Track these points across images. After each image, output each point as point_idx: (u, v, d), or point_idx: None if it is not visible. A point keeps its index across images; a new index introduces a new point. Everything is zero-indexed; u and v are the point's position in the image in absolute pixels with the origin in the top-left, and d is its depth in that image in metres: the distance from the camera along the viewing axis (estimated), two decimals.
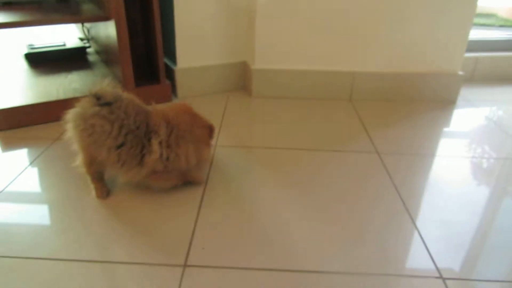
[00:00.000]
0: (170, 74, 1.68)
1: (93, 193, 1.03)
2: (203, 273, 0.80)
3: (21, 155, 1.22)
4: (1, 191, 1.04)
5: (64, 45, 2.00)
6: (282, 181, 1.13)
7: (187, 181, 1.08)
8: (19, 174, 1.11)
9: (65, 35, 2.25)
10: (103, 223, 0.93)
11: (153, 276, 0.79)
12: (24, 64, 1.84)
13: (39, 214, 0.96)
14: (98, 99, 0.95)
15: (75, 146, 0.99)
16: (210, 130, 1.10)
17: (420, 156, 1.28)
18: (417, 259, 0.86)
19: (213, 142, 1.17)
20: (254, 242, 0.89)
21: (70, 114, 0.98)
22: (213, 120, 1.40)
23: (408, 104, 1.70)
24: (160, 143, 0.97)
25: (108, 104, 0.94)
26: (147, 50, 1.68)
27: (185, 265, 0.81)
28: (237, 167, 1.19)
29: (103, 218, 0.95)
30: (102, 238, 0.89)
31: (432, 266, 0.84)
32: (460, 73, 1.70)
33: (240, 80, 1.79)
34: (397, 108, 1.65)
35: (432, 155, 1.30)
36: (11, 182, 1.08)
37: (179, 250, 0.85)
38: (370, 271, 0.82)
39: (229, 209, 1.00)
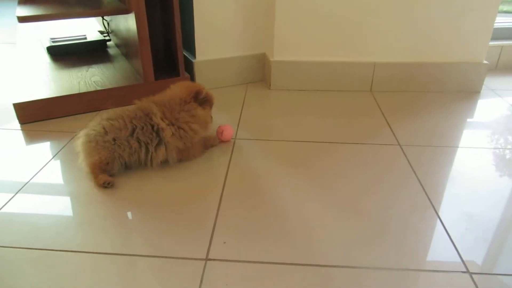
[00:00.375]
0: (189, 66, 1.68)
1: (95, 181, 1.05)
2: (224, 267, 0.80)
3: (44, 148, 1.24)
4: (26, 183, 1.06)
5: (85, 38, 2.02)
6: (302, 174, 1.12)
7: (209, 147, 1.23)
8: (43, 167, 1.13)
9: (86, 28, 2.27)
10: (124, 216, 0.95)
11: (175, 270, 0.79)
12: (46, 57, 1.86)
13: (62, 207, 0.98)
14: None
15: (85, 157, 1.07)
16: (196, 93, 1.15)
17: (443, 148, 1.25)
18: (442, 253, 0.85)
19: (211, 106, 1.21)
20: (275, 236, 0.89)
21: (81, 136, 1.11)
22: (232, 112, 1.40)
23: (430, 95, 1.66)
24: (162, 119, 1.09)
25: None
26: (166, 43, 1.69)
27: (206, 259, 0.82)
28: (257, 161, 1.18)
29: (124, 211, 0.96)
30: (124, 231, 0.90)
31: (458, 260, 0.83)
32: (485, 62, 1.65)
33: (259, 72, 1.78)
34: (419, 99, 1.62)
35: (455, 146, 1.27)
36: (35, 175, 1.10)
37: (200, 244, 0.86)
38: (394, 266, 0.81)
39: (249, 203, 1.00)
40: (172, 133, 1.10)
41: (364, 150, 1.24)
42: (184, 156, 1.14)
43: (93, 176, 1.05)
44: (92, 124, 1.10)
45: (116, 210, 0.97)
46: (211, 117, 1.22)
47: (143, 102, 1.14)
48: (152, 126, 1.09)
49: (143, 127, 1.08)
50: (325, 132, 1.35)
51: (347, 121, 1.42)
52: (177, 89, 1.17)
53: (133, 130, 1.07)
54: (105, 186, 1.03)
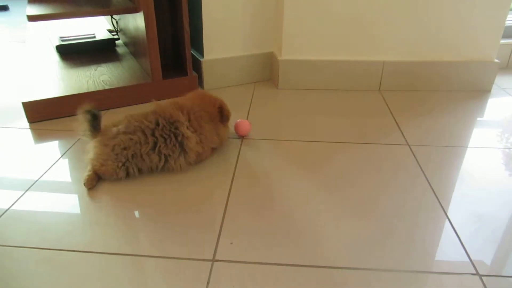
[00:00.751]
0: (197, 65, 1.69)
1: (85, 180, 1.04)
2: (231, 268, 0.80)
3: (53, 147, 1.25)
4: (35, 182, 1.07)
5: (94, 37, 2.03)
6: (310, 175, 1.11)
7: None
8: (52, 166, 1.14)
9: (95, 27, 2.28)
10: (132, 216, 0.95)
11: (182, 270, 0.80)
12: (55, 56, 1.87)
13: (70, 206, 0.98)
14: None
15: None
16: (220, 109, 1.16)
17: (452, 148, 1.24)
18: (451, 254, 0.84)
19: (228, 122, 1.22)
20: (283, 237, 0.88)
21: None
22: (239, 111, 1.40)
23: (440, 94, 1.64)
24: (188, 128, 1.08)
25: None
26: (174, 42, 1.69)
27: (213, 260, 0.82)
28: (265, 161, 1.18)
29: (132, 211, 0.97)
30: (131, 232, 0.90)
31: (467, 261, 0.82)
32: (496, 60, 1.63)
33: (267, 71, 1.78)
34: (428, 98, 1.60)
35: (465, 146, 1.25)
36: (44, 173, 1.11)
37: (207, 244, 0.86)
38: (403, 268, 0.81)
39: (257, 203, 1.00)
40: (196, 141, 1.09)
41: (373, 150, 1.23)
42: (199, 159, 1.14)
43: (89, 177, 1.04)
44: (111, 132, 1.05)
45: (124, 210, 0.97)
46: (228, 131, 1.25)
47: (164, 106, 1.10)
48: (176, 136, 1.06)
49: (166, 139, 1.05)
50: (333, 132, 1.34)
51: (355, 121, 1.42)
52: (199, 99, 1.16)
53: (155, 144, 1.05)
54: (85, 185, 1.03)
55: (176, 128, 1.06)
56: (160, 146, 1.05)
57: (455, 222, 0.93)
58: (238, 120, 1.29)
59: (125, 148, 1.03)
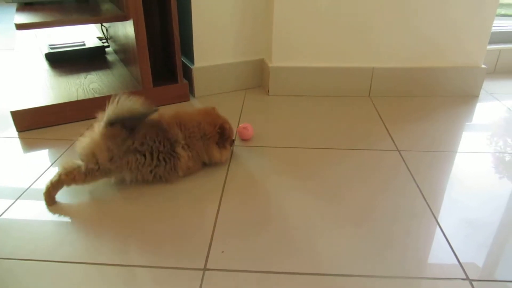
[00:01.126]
0: (187, 73, 1.68)
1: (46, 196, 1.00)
2: (223, 277, 0.80)
3: (42, 156, 1.24)
4: (25, 191, 1.06)
5: (83, 44, 2.02)
6: (301, 182, 1.11)
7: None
8: (42, 174, 1.13)
9: (85, 34, 2.27)
10: (123, 226, 0.94)
11: (173, 280, 0.79)
12: (44, 64, 1.86)
13: (60, 215, 0.97)
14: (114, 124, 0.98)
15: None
16: (220, 129, 1.12)
17: (442, 153, 1.25)
18: (442, 260, 0.84)
19: (228, 146, 1.18)
20: (275, 245, 0.88)
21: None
22: (230, 119, 1.40)
23: (429, 99, 1.66)
24: (183, 147, 1.07)
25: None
26: (164, 50, 1.69)
27: (205, 269, 0.81)
28: (256, 168, 1.18)
29: (124, 221, 0.96)
30: (122, 242, 0.89)
31: (458, 266, 0.82)
32: (483, 66, 1.65)
33: (258, 78, 1.78)
34: (417, 104, 1.62)
35: (454, 151, 1.27)
36: (34, 182, 1.10)
37: (198, 253, 0.85)
38: (394, 274, 0.81)
39: (248, 211, 0.99)
40: (188, 157, 1.08)
41: (363, 156, 1.24)
42: (189, 172, 1.12)
43: (64, 178, 0.98)
44: (123, 139, 0.99)
45: (114, 220, 0.96)
46: (228, 154, 1.19)
47: (169, 121, 1.07)
48: (173, 157, 1.06)
49: (166, 163, 1.04)
50: (324, 138, 1.34)
51: (346, 127, 1.42)
52: (200, 118, 1.13)
53: (155, 166, 1.04)
54: (44, 195, 0.99)
55: (173, 150, 1.05)
56: (159, 168, 1.05)
57: (445, 228, 0.93)
58: (240, 125, 1.32)
59: (121, 166, 1.00)
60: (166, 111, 1.12)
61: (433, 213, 0.98)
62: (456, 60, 1.65)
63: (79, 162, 1.00)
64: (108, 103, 0.97)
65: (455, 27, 1.59)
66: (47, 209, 0.99)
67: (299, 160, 1.22)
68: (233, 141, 1.21)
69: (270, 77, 1.68)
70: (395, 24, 1.58)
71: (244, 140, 1.32)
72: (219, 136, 1.13)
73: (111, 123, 0.97)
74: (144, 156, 1.01)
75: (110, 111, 0.96)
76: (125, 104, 0.97)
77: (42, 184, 1.08)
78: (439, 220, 0.96)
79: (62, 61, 1.90)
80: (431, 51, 1.63)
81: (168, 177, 1.08)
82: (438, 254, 0.86)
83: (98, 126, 1.00)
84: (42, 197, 1.01)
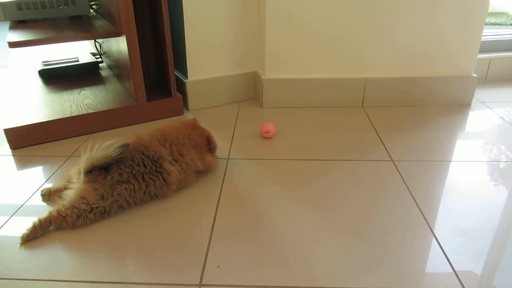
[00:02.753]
0: (181, 86, 1.69)
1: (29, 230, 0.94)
2: None
3: (36, 173, 1.23)
4: (19, 208, 1.05)
5: (77, 60, 2.02)
6: (296, 194, 1.11)
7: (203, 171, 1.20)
8: (36, 191, 1.13)
9: (78, 50, 2.28)
10: (116, 243, 0.93)
11: None
12: (38, 81, 1.86)
13: (55, 233, 0.96)
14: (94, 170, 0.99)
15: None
16: (207, 140, 1.19)
17: (436, 162, 1.26)
18: (438, 270, 0.84)
19: (215, 152, 1.24)
20: (271, 259, 0.88)
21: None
22: (224, 131, 1.41)
23: (421, 109, 1.67)
24: (170, 162, 1.07)
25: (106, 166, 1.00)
26: (158, 64, 1.69)
27: (200, 285, 0.81)
28: (250, 181, 1.18)
29: (117, 237, 0.95)
30: (116, 259, 0.88)
31: (453, 277, 0.82)
32: (474, 75, 1.67)
33: (251, 90, 1.79)
34: (410, 114, 1.63)
35: (448, 160, 1.27)
36: (28, 199, 1.09)
37: (193, 268, 0.85)
38: (389, 286, 0.80)
39: (243, 225, 0.99)
40: (178, 171, 1.08)
41: (357, 166, 1.24)
42: (182, 185, 1.12)
43: (55, 215, 0.95)
44: (102, 178, 0.99)
45: (108, 237, 0.95)
46: (217, 160, 1.26)
47: (147, 141, 1.07)
48: (162, 174, 1.05)
49: (155, 181, 1.04)
50: (318, 149, 1.35)
51: (340, 138, 1.43)
52: (188, 128, 1.17)
53: (146, 188, 1.04)
54: (28, 231, 0.94)
55: (161, 166, 1.05)
56: (150, 189, 1.05)
57: (440, 238, 0.93)
58: (265, 125, 1.42)
59: (117, 201, 1.01)
60: (147, 130, 1.15)
61: (428, 223, 0.98)
62: (447, 69, 1.66)
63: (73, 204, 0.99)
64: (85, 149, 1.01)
65: (444, 37, 1.61)
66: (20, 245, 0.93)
67: (292, 172, 1.22)
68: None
69: (263, 89, 1.68)
70: (385, 36, 1.60)
71: (266, 138, 1.43)
72: (208, 145, 1.19)
73: (88, 172, 0.99)
74: (131, 183, 1.01)
75: (84, 163, 0.99)
76: (97, 153, 0.99)
77: (37, 200, 1.08)
78: (434, 230, 0.96)
79: (56, 77, 1.90)
80: (422, 61, 1.65)
81: (162, 193, 1.07)
82: (434, 265, 0.86)
83: (76, 178, 1.02)
84: (38, 213, 0.99)
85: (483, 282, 0.81)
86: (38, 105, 1.56)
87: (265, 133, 1.41)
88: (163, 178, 1.06)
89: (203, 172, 1.20)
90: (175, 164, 1.08)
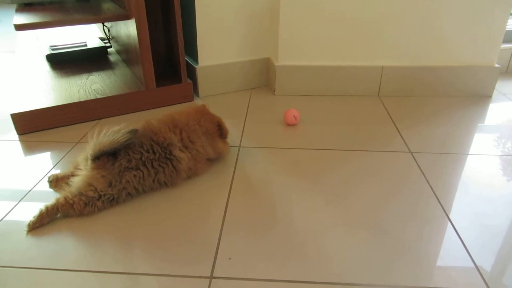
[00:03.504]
0: (191, 72, 1.65)
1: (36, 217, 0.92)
2: (230, 286, 0.75)
3: (44, 159, 1.20)
4: (27, 194, 1.03)
5: (85, 45, 1.98)
6: (310, 185, 1.07)
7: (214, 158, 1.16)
8: (43, 177, 1.10)
9: (86, 35, 2.24)
10: (124, 232, 0.90)
11: None
12: (46, 65, 1.83)
13: (61, 220, 0.93)
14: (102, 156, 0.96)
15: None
16: (218, 126, 1.14)
17: (456, 155, 1.20)
18: (459, 267, 0.80)
19: (227, 138, 1.19)
20: (284, 252, 0.84)
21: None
22: (235, 119, 1.37)
23: (440, 100, 1.61)
24: (180, 149, 1.04)
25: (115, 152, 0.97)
26: (168, 49, 1.65)
27: (211, 277, 0.77)
28: (263, 170, 1.14)
29: (125, 226, 0.92)
30: (125, 249, 0.85)
31: (477, 275, 0.78)
32: (496, 65, 1.60)
33: (263, 77, 1.74)
34: (428, 104, 1.57)
35: (469, 153, 1.22)
36: (36, 185, 1.07)
37: (204, 260, 0.81)
38: (408, 283, 0.76)
39: (255, 216, 0.95)
40: (188, 158, 1.05)
41: (374, 158, 1.20)
42: (192, 173, 1.09)
43: (62, 202, 0.93)
44: (111, 165, 0.96)
45: (116, 227, 0.92)
46: (228, 147, 1.21)
47: (156, 127, 1.04)
48: (172, 161, 1.02)
49: (164, 168, 1.01)
50: (333, 139, 1.30)
51: (355, 128, 1.38)
52: (198, 114, 1.12)
53: (155, 175, 1.01)
54: (34, 218, 0.91)
55: (170, 153, 1.02)
56: (159, 176, 1.01)
57: (462, 234, 0.89)
58: (291, 111, 1.38)
59: (125, 188, 0.97)
60: (156, 116, 1.10)
61: (448, 217, 0.94)
62: (468, 59, 1.60)
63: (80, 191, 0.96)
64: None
65: (468, 25, 1.54)
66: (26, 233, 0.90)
67: (307, 162, 1.17)
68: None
69: (276, 77, 1.63)
70: (406, 22, 1.54)
71: (289, 125, 1.40)
72: (219, 131, 1.14)
73: (96, 158, 0.96)
74: (140, 169, 0.98)
75: (91, 149, 0.96)
76: (105, 139, 0.95)
77: (45, 186, 1.05)
78: (455, 225, 0.91)
79: (64, 62, 1.87)
80: (443, 49, 1.58)
81: (171, 181, 1.04)
82: (456, 261, 0.81)
83: (83, 164, 0.99)
84: (46, 198, 0.97)
85: (506, 277, 0.77)
86: (46, 90, 1.52)
87: (293, 118, 1.37)
88: (172, 165, 1.02)
89: (215, 159, 1.16)
90: (185, 151, 1.05)
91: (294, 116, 1.37)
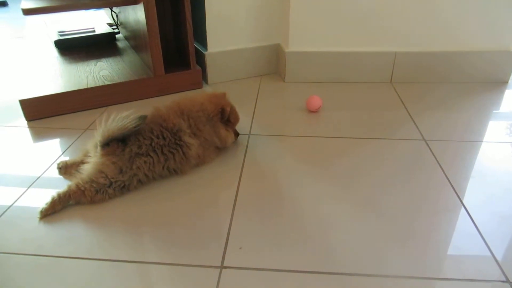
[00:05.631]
0: (200, 58, 1.62)
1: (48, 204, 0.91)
2: (241, 275, 0.74)
3: (52, 145, 1.20)
4: (36, 180, 1.03)
5: (93, 31, 1.96)
6: (321, 173, 1.05)
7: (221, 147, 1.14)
8: (52, 164, 1.09)
9: (95, 20, 2.22)
10: (136, 221, 0.89)
11: (188, 278, 0.74)
12: (54, 51, 1.82)
13: (71, 208, 0.93)
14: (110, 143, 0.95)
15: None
16: (221, 110, 1.08)
17: (471, 143, 1.17)
18: (477, 259, 0.78)
19: (232, 126, 1.15)
20: (295, 241, 0.83)
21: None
22: (245, 106, 1.35)
23: (454, 86, 1.57)
24: (190, 135, 1.02)
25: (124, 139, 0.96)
26: (176, 35, 1.63)
27: (222, 266, 0.76)
28: (273, 159, 1.12)
29: (136, 216, 0.91)
30: (134, 237, 0.85)
31: (495, 268, 0.76)
32: None
33: (273, 63, 1.71)
34: (442, 90, 1.53)
35: (484, 141, 1.19)
36: (45, 171, 1.06)
37: (215, 250, 0.80)
38: (423, 274, 0.75)
39: (266, 205, 0.94)
40: (198, 145, 1.04)
41: (387, 145, 1.17)
42: (201, 161, 1.07)
43: (73, 190, 0.92)
44: (121, 151, 0.95)
45: (126, 215, 0.91)
46: (235, 135, 1.16)
47: (165, 113, 1.02)
48: (182, 147, 1.01)
49: (174, 154, 1.00)
50: (344, 126, 1.28)
51: (367, 115, 1.35)
52: (203, 99, 1.09)
53: (165, 161, 1.00)
54: (47, 205, 0.91)
55: (180, 139, 1.00)
56: (169, 162, 1.00)
57: (480, 224, 0.86)
58: (314, 99, 1.35)
59: (136, 174, 0.96)
60: (165, 103, 1.08)
61: (465, 207, 0.91)
62: (484, 44, 1.55)
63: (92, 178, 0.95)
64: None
65: (483, 9, 1.49)
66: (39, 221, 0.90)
67: (318, 150, 1.15)
68: (237, 134, 1.17)
69: (286, 63, 1.60)
70: (419, 6, 1.49)
71: (311, 111, 1.37)
72: (220, 116, 1.08)
73: (105, 144, 0.94)
74: (150, 156, 0.97)
75: (100, 135, 0.94)
76: (113, 124, 0.94)
77: (54, 173, 1.05)
78: (472, 214, 0.89)
79: (72, 48, 1.85)
80: (458, 34, 1.54)
81: (181, 168, 1.03)
82: (473, 253, 0.79)
83: (93, 151, 0.98)
84: (55, 185, 0.97)
85: None
86: (54, 76, 1.51)
87: (317, 108, 1.35)
88: (182, 152, 1.01)
89: (222, 148, 1.14)
90: (194, 137, 1.03)
91: (318, 107, 1.36)
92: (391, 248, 0.81)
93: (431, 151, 1.13)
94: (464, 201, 0.93)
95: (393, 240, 0.83)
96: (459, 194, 0.96)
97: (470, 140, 1.19)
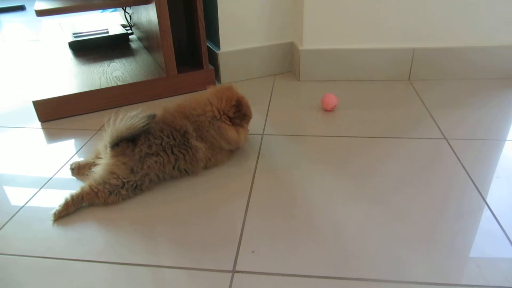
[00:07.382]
0: (213, 58, 1.60)
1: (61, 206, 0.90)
2: (253, 280, 0.72)
3: (66, 146, 1.19)
4: (48, 181, 1.02)
5: (107, 32, 1.97)
6: (337, 174, 1.02)
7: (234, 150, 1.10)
8: (64, 165, 1.09)
9: (108, 22, 2.23)
10: (147, 223, 0.87)
11: (199, 283, 0.72)
12: (68, 53, 1.82)
13: (84, 210, 0.92)
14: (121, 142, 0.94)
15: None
16: (237, 103, 1.02)
17: (495, 141, 1.12)
18: (504, 264, 0.73)
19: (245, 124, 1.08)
20: (309, 244, 0.79)
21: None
22: (258, 106, 1.32)
23: (475, 83, 1.51)
24: (197, 139, 1.00)
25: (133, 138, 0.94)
26: (189, 35, 1.61)
27: (233, 271, 0.74)
28: (287, 159, 1.09)
29: (149, 219, 0.89)
30: (145, 240, 0.83)
31: None
32: None
33: (287, 62, 1.68)
34: (463, 88, 1.48)
35: (508, 139, 1.13)
36: (57, 172, 1.06)
37: (227, 253, 0.78)
38: (447, 280, 0.71)
39: (279, 207, 0.91)
40: (205, 148, 1.01)
41: (406, 145, 1.13)
42: (212, 164, 1.05)
43: (87, 191, 0.91)
44: (131, 151, 0.93)
45: (137, 217, 0.89)
46: (246, 134, 1.09)
47: (172, 114, 1.01)
48: (191, 149, 0.98)
49: (184, 155, 0.98)
50: (361, 126, 1.24)
51: (385, 113, 1.31)
52: (210, 96, 1.03)
53: (176, 161, 0.98)
54: (60, 207, 0.89)
55: (187, 141, 0.98)
56: (180, 163, 0.98)
57: (507, 228, 0.82)
58: (329, 98, 1.32)
59: (147, 174, 0.95)
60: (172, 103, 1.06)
61: (492, 212, 0.86)
62: (506, 39, 1.49)
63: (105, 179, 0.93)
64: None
65: (506, 2, 1.43)
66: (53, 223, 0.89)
67: (334, 150, 1.12)
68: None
69: (300, 61, 1.57)
70: (438, 1, 1.44)
71: (326, 110, 1.33)
72: (236, 111, 1.02)
73: (115, 145, 0.93)
74: (160, 155, 0.95)
75: (108, 136, 0.93)
76: (122, 124, 0.92)
77: (66, 174, 1.05)
78: (499, 220, 0.84)
79: (86, 49, 1.86)
80: (478, 29, 1.48)
81: (192, 169, 1.01)
82: (499, 258, 0.75)
83: (103, 152, 0.97)
84: (68, 185, 0.97)
85: None
86: (68, 78, 1.51)
87: (332, 107, 1.32)
88: (191, 153, 0.99)
89: (235, 149, 1.11)
90: (201, 141, 1.00)
91: (334, 106, 1.32)
92: (411, 252, 0.77)
93: (452, 150, 1.09)
94: (488, 202, 0.89)
95: (413, 243, 0.79)
96: (483, 195, 0.91)
97: (494, 139, 1.14)
